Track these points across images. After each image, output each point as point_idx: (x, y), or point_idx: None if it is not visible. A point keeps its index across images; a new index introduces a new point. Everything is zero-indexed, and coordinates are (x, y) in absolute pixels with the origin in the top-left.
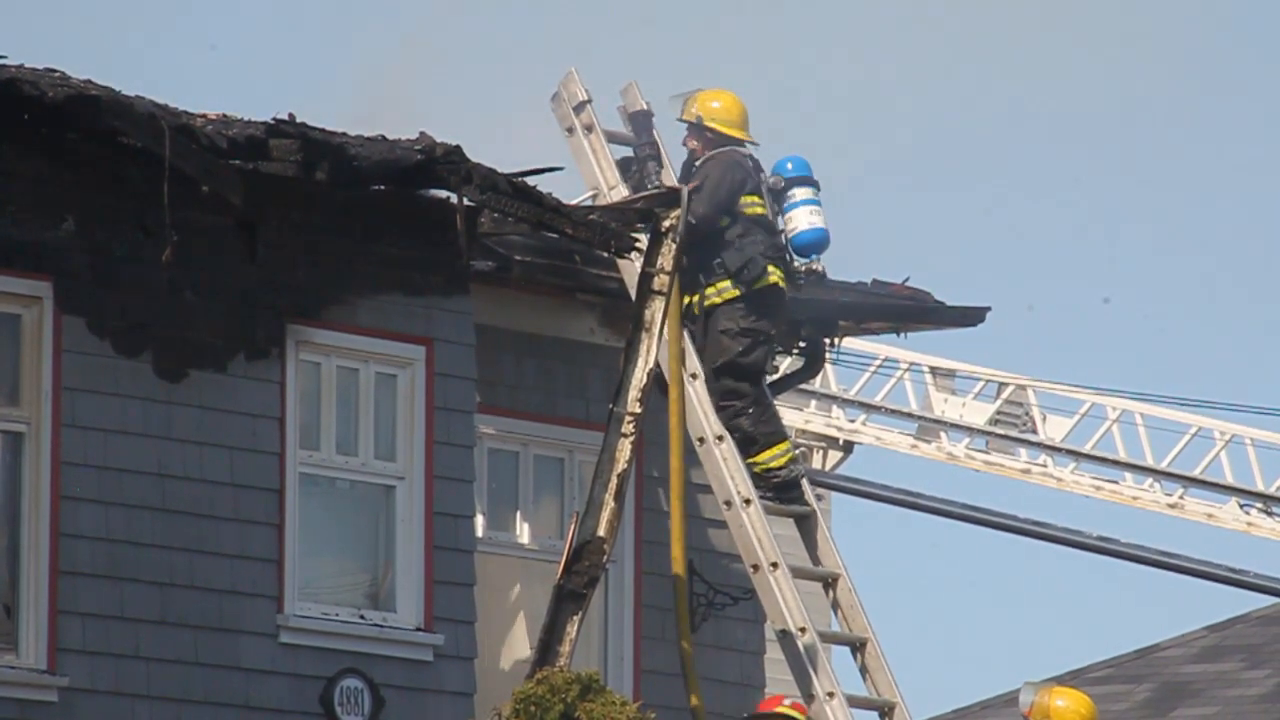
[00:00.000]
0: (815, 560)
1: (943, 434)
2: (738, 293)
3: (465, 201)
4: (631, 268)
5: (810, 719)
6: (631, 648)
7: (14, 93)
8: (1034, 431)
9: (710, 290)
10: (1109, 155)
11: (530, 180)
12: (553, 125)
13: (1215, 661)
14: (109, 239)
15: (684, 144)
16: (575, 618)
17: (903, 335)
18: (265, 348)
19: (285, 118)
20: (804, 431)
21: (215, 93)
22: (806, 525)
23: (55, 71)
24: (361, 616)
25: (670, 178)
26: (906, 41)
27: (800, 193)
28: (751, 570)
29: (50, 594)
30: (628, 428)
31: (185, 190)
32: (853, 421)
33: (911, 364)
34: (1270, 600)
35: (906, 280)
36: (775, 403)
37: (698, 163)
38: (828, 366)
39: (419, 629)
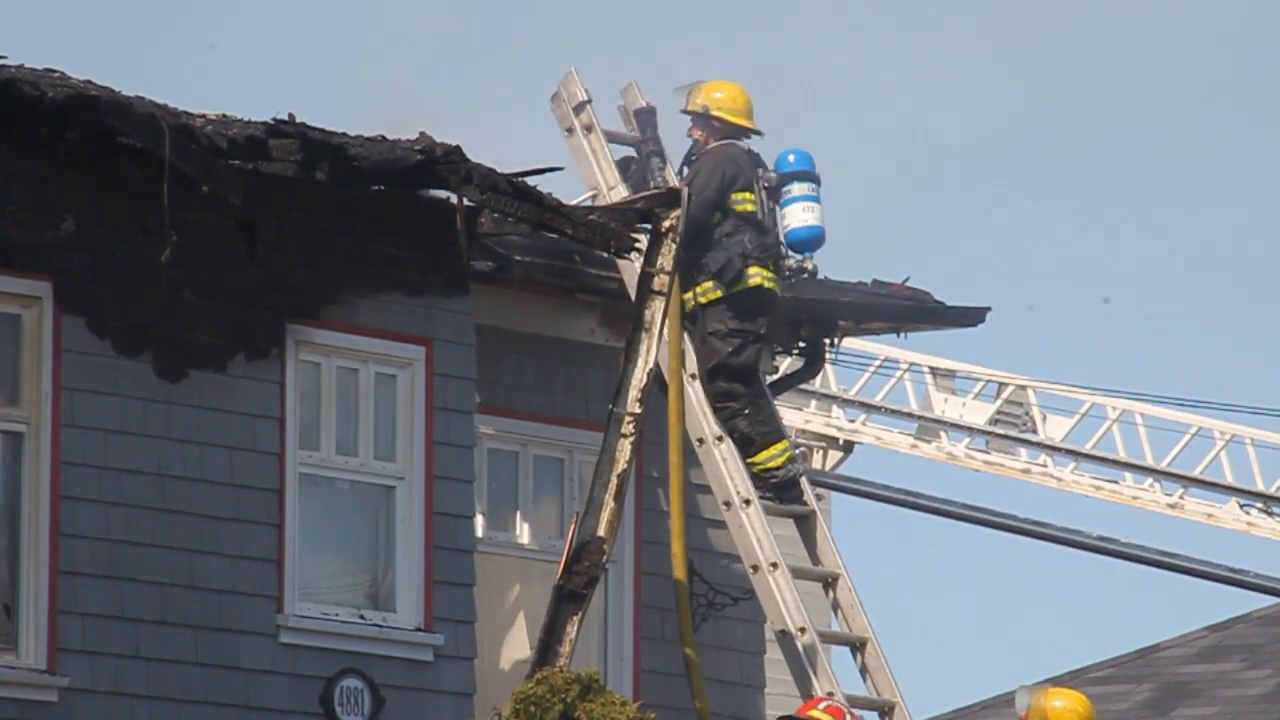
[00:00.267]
0: (815, 560)
1: (943, 434)
2: (719, 294)
3: (465, 201)
4: (631, 268)
5: (855, 716)
6: (631, 648)
7: (14, 93)
8: (1034, 431)
9: (698, 289)
10: (1109, 155)
11: (530, 180)
12: (551, 125)
13: (1215, 661)
14: (109, 239)
15: (689, 135)
16: (575, 618)
17: (903, 335)
18: (265, 348)
19: (285, 118)
20: (804, 431)
21: (215, 93)
22: (806, 525)
23: (55, 71)
24: (361, 616)
25: (673, 175)
26: (907, 42)
27: (797, 188)
28: (751, 570)
29: (50, 594)
30: (628, 428)
31: (185, 190)
32: (853, 421)
33: (911, 364)
34: (1270, 600)
35: (906, 280)
36: (775, 403)
37: (693, 158)
38: (828, 366)
39: (419, 629)
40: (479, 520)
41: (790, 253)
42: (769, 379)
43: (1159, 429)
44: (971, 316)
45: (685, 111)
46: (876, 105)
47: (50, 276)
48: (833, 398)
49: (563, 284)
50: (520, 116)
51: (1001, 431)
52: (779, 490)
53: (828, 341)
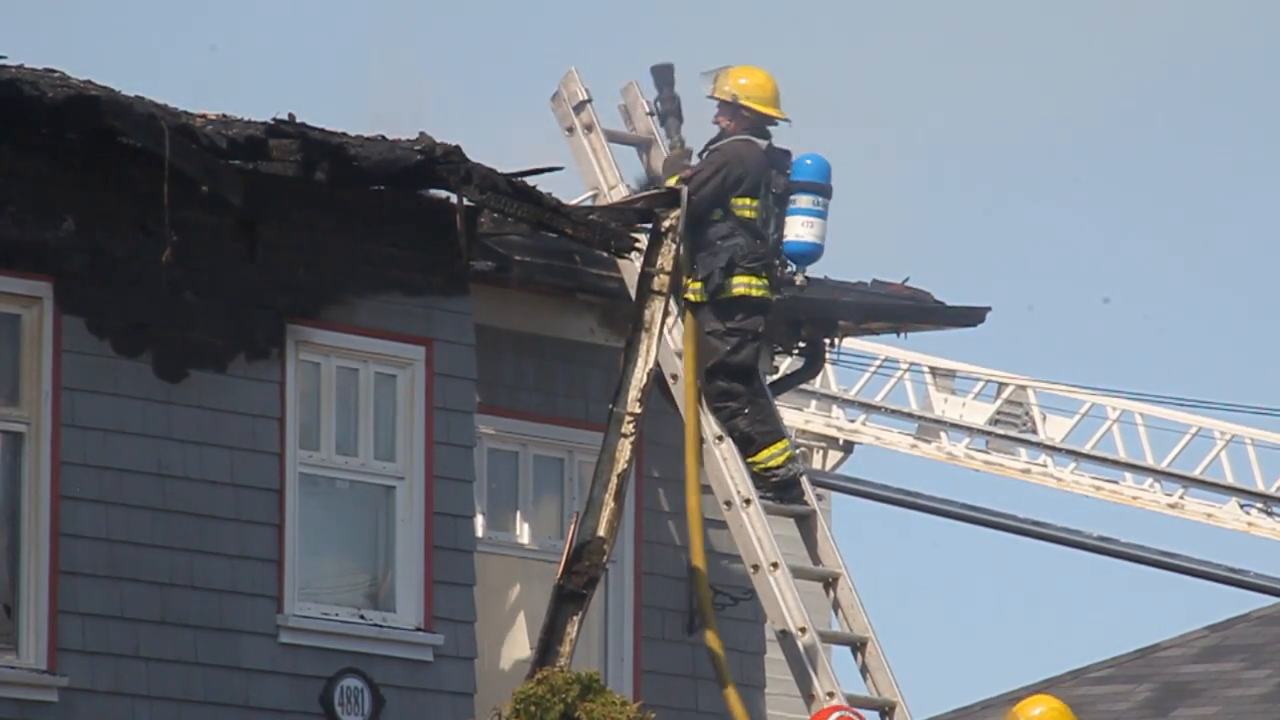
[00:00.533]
0: (815, 560)
1: (943, 434)
2: (704, 298)
3: (465, 201)
4: (631, 268)
5: None
6: (631, 648)
7: (14, 93)
8: (1034, 431)
9: (691, 288)
10: (1109, 156)
11: (530, 180)
12: (552, 124)
13: (1216, 661)
14: (109, 239)
15: (715, 121)
16: (575, 618)
17: (903, 335)
18: (265, 348)
19: (285, 118)
20: (804, 431)
21: (215, 93)
22: (806, 525)
23: (55, 71)
24: (361, 616)
25: (687, 138)
26: (907, 42)
27: (802, 200)
28: (751, 570)
29: (50, 594)
30: (627, 428)
31: (185, 190)
32: (853, 421)
33: (911, 364)
34: (1270, 600)
35: (906, 280)
36: (775, 402)
37: (702, 154)
38: (828, 366)
39: (419, 629)
40: (479, 520)
41: (786, 262)
42: (769, 379)
43: (1159, 429)
44: (971, 316)
45: (712, 97)
46: (876, 105)
47: (50, 276)
48: (833, 398)
49: (563, 284)
50: (520, 116)
51: (1001, 431)
52: (779, 490)
53: (828, 341)
